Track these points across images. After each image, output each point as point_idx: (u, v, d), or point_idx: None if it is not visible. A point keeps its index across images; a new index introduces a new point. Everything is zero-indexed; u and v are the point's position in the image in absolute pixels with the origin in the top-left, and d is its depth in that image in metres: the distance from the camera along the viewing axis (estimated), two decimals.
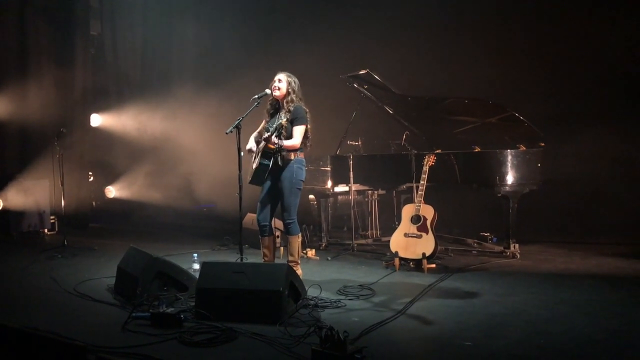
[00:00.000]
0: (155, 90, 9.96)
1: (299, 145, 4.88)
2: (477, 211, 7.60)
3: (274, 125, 4.78)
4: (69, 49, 8.84)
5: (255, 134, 5.16)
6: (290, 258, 5.03)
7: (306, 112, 4.93)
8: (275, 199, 5.03)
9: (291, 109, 4.87)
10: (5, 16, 8.14)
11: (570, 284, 4.90)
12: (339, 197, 7.48)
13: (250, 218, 6.55)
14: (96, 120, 9.70)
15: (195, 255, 5.74)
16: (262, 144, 4.83)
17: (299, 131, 4.86)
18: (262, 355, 3.31)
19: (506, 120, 6.42)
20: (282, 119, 4.80)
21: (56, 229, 8.11)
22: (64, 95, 8.75)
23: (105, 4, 9.83)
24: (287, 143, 4.80)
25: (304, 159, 5.02)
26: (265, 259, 5.12)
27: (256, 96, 4.88)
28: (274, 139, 4.71)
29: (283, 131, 4.78)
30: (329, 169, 6.81)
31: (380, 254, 6.33)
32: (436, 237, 5.49)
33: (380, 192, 7.52)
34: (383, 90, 6.99)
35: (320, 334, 3.19)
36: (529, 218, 6.80)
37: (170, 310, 3.85)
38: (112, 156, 9.92)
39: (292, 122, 4.84)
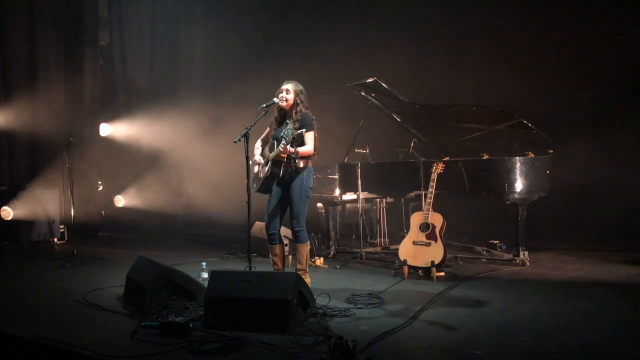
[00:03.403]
0: (163, 100, 10.02)
1: (312, 151, 4.89)
2: (486, 219, 7.57)
3: (290, 136, 4.71)
4: (78, 59, 8.90)
5: (259, 142, 5.17)
6: (299, 266, 5.02)
7: (313, 119, 4.94)
8: (284, 207, 5.04)
9: (299, 117, 4.88)
10: (14, 27, 8.21)
11: (581, 292, 4.87)
12: (347, 205, 7.47)
13: (258, 226, 6.56)
14: (105, 129, 9.76)
15: (204, 264, 5.74)
16: (274, 152, 4.82)
17: (310, 137, 4.87)
18: None
19: (514, 128, 6.41)
20: (291, 128, 4.81)
21: (66, 238, 8.15)
22: (73, 105, 8.81)
23: (114, 14, 9.91)
24: (301, 150, 4.81)
25: (312, 167, 5.03)
26: (275, 267, 5.11)
27: (264, 105, 4.89)
28: (290, 148, 4.71)
29: (298, 140, 4.79)
30: (336, 177, 6.81)
31: (389, 262, 6.31)
32: (445, 245, 5.47)
33: (389, 200, 7.51)
34: (390, 98, 7.00)
35: (329, 343, 3.19)
36: (538, 225, 6.76)
37: (179, 319, 3.85)
38: (121, 165, 9.96)
39: (301, 129, 4.84)
